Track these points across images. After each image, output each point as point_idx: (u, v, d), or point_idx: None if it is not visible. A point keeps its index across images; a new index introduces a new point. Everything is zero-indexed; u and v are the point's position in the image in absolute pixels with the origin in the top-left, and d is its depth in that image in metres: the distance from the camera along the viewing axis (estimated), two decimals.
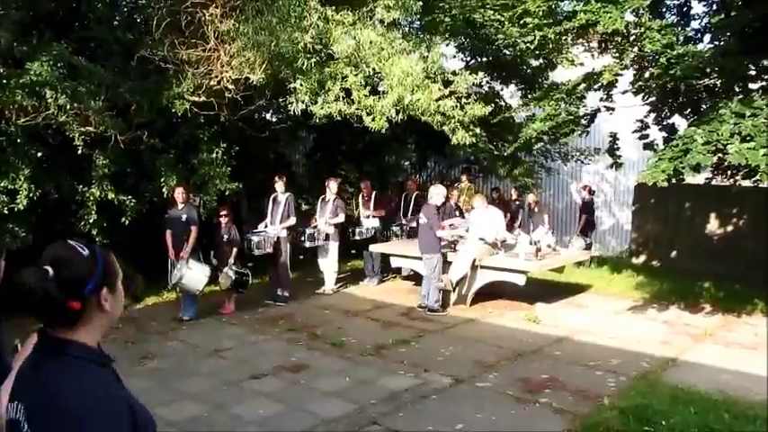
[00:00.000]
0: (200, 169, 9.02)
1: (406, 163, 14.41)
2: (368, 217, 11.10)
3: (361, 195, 11.34)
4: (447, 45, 11.64)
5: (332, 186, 10.36)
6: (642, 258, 13.16)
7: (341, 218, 10.35)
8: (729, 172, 7.51)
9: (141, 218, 8.76)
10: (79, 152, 7.71)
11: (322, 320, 8.73)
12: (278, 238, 9.57)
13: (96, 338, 1.61)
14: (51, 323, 1.57)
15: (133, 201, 8.48)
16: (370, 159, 12.62)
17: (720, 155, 6.48)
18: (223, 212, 9.06)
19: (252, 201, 10.86)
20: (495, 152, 11.88)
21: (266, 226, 9.76)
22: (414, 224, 10.67)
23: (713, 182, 9.14)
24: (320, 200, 10.57)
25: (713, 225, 12.18)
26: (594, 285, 11.16)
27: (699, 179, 9.93)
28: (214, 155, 9.00)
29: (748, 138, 6.05)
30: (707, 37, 8.65)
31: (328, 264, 10.36)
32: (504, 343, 7.69)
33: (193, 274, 8.29)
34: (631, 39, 7.71)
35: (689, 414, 5.34)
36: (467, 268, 9.21)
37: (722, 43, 7.95)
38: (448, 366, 6.80)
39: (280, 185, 9.69)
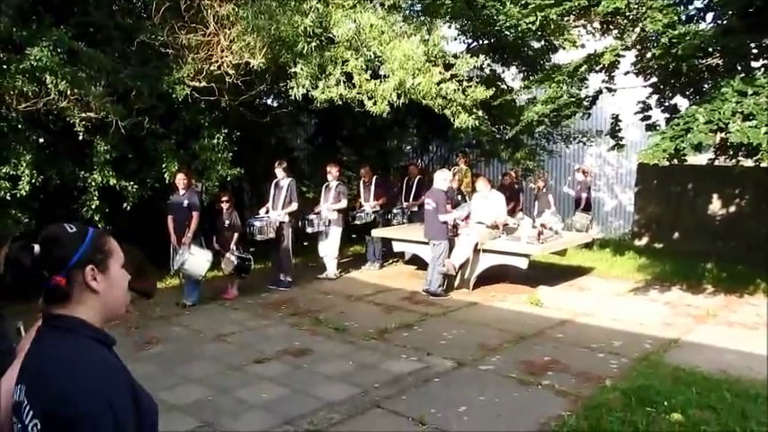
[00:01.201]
0: (201, 155, 8.99)
1: (408, 147, 14.34)
2: (367, 205, 11.03)
3: (362, 181, 11.30)
4: (449, 27, 11.58)
5: (333, 172, 10.34)
6: (645, 240, 13.17)
7: (343, 203, 10.31)
8: (732, 152, 7.46)
9: (143, 204, 8.75)
10: (80, 138, 7.70)
11: (324, 305, 8.74)
12: (280, 223, 9.55)
13: (95, 319, 1.60)
14: (46, 300, 1.58)
15: (135, 186, 8.46)
16: (372, 144, 12.54)
17: (722, 134, 6.44)
18: (224, 198, 9.05)
19: (254, 186, 10.87)
20: (498, 135, 11.81)
21: (267, 211, 9.74)
22: (415, 209, 10.66)
23: (715, 162, 9.07)
24: (324, 186, 10.52)
25: (715, 206, 12.18)
26: (597, 268, 11.19)
27: (701, 159, 9.94)
28: (215, 140, 8.96)
29: (750, 116, 6.01)
30: (709, 16, 8.60)
31: (329, 248, 10.33)
32: (507, 326, 7.69)
33: (196, 260, 8.30)
34: (632, 19, 7.64)
35: (691, 394, 5.37)
36: (469, 252, 9.22)
37: (724, 22, 7.88)
38: (450, 350, 6.81)
39: (280, 171, 9.65)
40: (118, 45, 8.29)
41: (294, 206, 9.73)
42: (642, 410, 5.10)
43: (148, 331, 7.51)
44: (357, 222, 10.84)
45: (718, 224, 12.08)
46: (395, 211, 11.36)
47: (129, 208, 8.55)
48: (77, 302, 1.57)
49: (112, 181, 8.22)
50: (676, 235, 12.69)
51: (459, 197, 10.93)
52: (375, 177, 11.30)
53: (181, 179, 8.48)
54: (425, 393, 5.70)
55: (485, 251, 9.32)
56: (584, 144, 14.18)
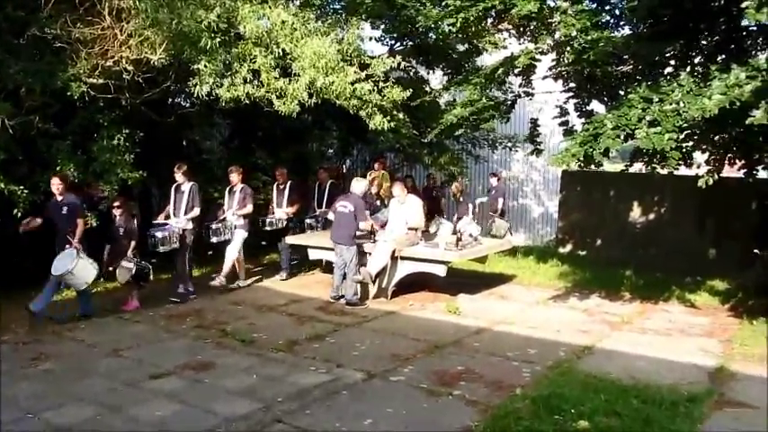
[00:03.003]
0: (99, 156, 8.45)
1: (330, 151, 14.05)
2: (279, 210, 10.64)
3: (276, 184, 10.86)
4: (373, 28, 11.39)
5: (233, 176, 9.82)
6: (569, 247, 13.22)
7: (249, 208, 9.85)
8: (647, 158, 7.52)
9: (36, 209, 8.15)
10: None
11: (233, 316, 8.37)
12: (183, 231, 8.99)
13: None
14: None
15: (26, 191, 7.89)
16: (290, 147, 12.19)
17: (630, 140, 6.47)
18: (116, 204, 8.52)
19: (162, 190, 10.32)
20: (421, 139, 11.63)
21: (168, 218, 9.18)
22: (330, 216, 10.35)
23: (632, 169, 9.15)
24: (228, 190, 10.03)
25: (636, 213, 12.33)
26: (519, 276, 11.21)
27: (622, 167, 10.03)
28: (115, 141, 8.45)
29: (655, 122, 6.04)
30: (627, 26, 8.68)
31: (230, 250, 9.78)
32: (423, 335, 7.54)
33: (84, 265, 7.72)
34: (547, 23, 7.59)
35: (599, 401, 5.38)
36: (386, 260, 8.99)
37: (638, 30, 7.97)
38: (362, 361, 6.62)
39: (180, 175, 9.04)
40: (7, 38, 7.71)
41: (196, 212, 9.15)
42: (550, 418, 5.07)
43: (37, 346, 7.02)
44: (267, 228, 10.44)
45: (638, 231, 12.24)
46: (308, 220, 10.97)
47: (19, 214, 7.94)
48: None
49: (1, 185, 7.63)
50: (599, 242, 12.80)
51: (379, 202, 10.68)
52: (290, 182, 10.84)
53: (56, 184, 7.84)
54: (331, 407, 5.49)
55: (402, 258, 9.10)
56: (510, 149, 14.17)
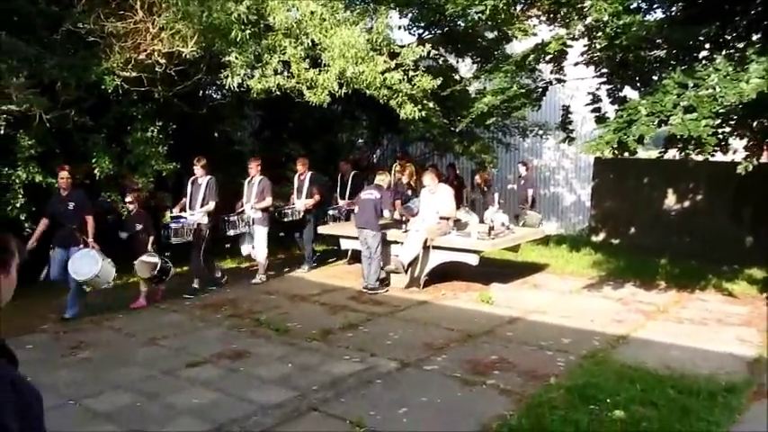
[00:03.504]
0: (134, 149, 8.57)
1: (360, 141, 14.04)
2: (299, 202, 10.35)
3: (297, 175, 10.55)
4: (402, 17, 11.34)
5: (253, 166, 9.62)
6: (602, 236, 13.08)
7: (268, 201, 9.63)
8: (681, 145, 7.38)
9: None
10: (2, 132, 7.26)
11: (267, 306, 8.42)
12: (198, 224, 8.83)
13: None
14: None
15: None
16: (321, 137, 12.20)
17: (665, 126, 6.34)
18: (128, 200, 8.37)
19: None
20: (452, 128, 11.56)
21: (183, 210, 9.04)
22: (354, 208, 10.17)
23: (667, 156, 8.99)
24: (246, 182, 9.81)
25: (671, 200, 12.15)
26: (552, 264, 11.09)
27: (657, 154, 9.88)
28: (149, 134, 8.56)
29: (691, 109, 5.90)
30: (659, 9, 8.52)
31: (258, 252, 9.69)
32: (456, 325, 7.51)
33: (106, 265, 7.49)
34: (579, 8, 7.48)
35: (635, 391, 5.32)
36: (418, 249, 8.98)
37: (671, 13, 7.81)
38: (395, 350, 6.62)
39: (198, 169, 8.86)
40: (42, 34, 7.85)
41: (211, 206, 8.95)
42: (585, 408, 5.03)
43: (77, 335, 7.16)
44: (285, 220, 10.21)
45: (672, 219, 12.06)
46: (330, 211, 10.79)
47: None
48: None
49: (38, 178, 7.79)
50: (633, 230, 12.63)
51: (410, 192, 10.66)
52: (310, 173, 10.51)
53: (64, 178, 7.53)
54: (365, 395, 5.50)
55: (434, 248, 9.08)
56: (542, 137, 14.03)
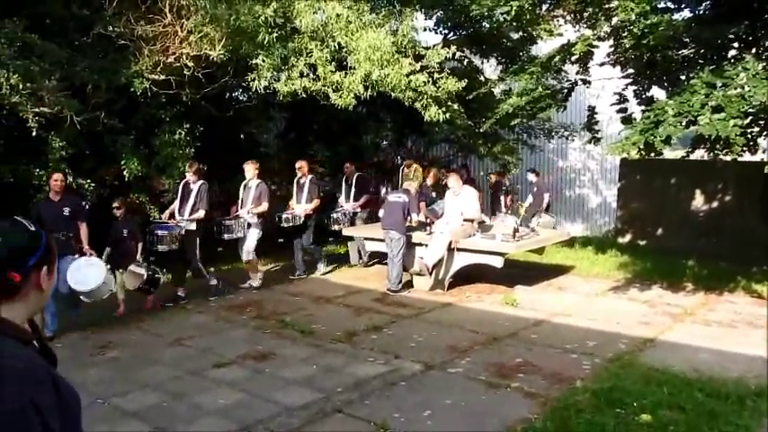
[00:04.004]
0: (162, 151, 8.68)
1: (384, 143, 14.05)
2: (299, 207, 9.99)
3: (296, 179, 10.19)
4: (427, 18, 11.33)
5: (248, 171, 9.18)
6: (628, 237, 12.95)
7: (264, 206, 9.17)
8: (709, 145, 7.29)
9: (102, 202, 8.42)
10: (34, 134, 7.40)
11: (291, 307, 8.47)
12: (187, 231, 8.48)
13: (25, 316, 1.62)
14: None
15: (93, 184, 8.12)
16: (346, 139, 12.23)
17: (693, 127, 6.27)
18: (115, 205, 8.02)
19: (222, 185, 10.50)
20: (476, 130, 11.52)
21: (172, 216, 8.68)
22: (358, 211, 10.16)
23: (693, 156, 8.89)
24: (243, 185, 9.36)
25: (698, 201, 12.00)
26: (577, 266, 11.00)
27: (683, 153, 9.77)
28: (177, 136, 8.67)
29: (719, 109, 5.83)
30: (687, 9, 8.43)
31: (245, 252, 9.29)
32: (480, 327, 7.49)
33: (107, 274, 6.87)
34: (605, 8, 7.43)
35: (662, 394, 5.28)
36: (443, 251, 8.97)
37: (699, 12, 7.73)
38: (420, 352, 6.62)
39: (190, 174, 8.47)
40: (73, 37, 7.99)
41: (201, 213, 8.56)
42: (611, 412, 4.99)
43: (105, 335, 7.27)
44: (284, 225, 9.81)
45: (701, 220, 11.90)
46: (334, 215, 10.49)
47: (87, 207, 8.20)
48: (20, 299, 1.58)
49: (69, 178, 7.90)
50: (659, 231, 12.50)
51: (435, 194, 10.64)
52: (310, 176, 10.17)
53: (59, 180, 7.03)
54: (390, 397, 5.51)
55: (459, 250, 9.06)
56: (567, 138, 13.92)
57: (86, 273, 6.68)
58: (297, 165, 10.19)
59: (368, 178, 11.36)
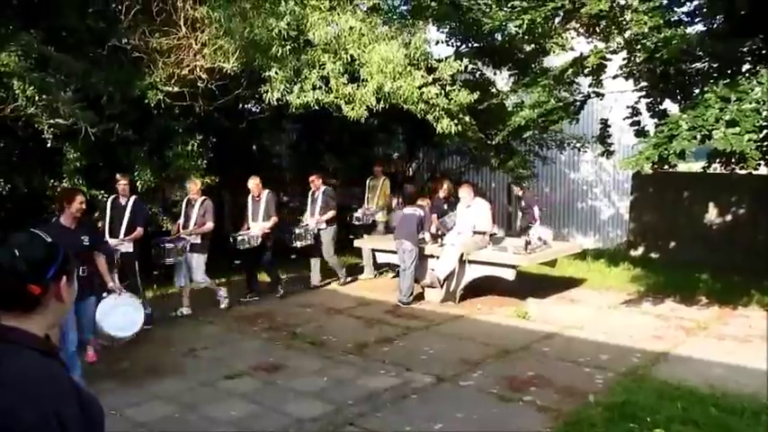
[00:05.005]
0: (174, 162, 8.73)
1: (395, 154, 14.06)
2: (255, 225, 9.38)
3: (250, 196, 9.48)
4: (438, 31, 11.36)
5: (190, 187, 8.55)
6: (640, 250, 12.88)
7: (208, 226, 8.58)
8: (724, 159, 7.27)
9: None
10: (49, 145, 7.46)
11: (302, 319, 8.48)
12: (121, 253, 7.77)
13: (45, 328, 1.62)
14: (7, 306, 1.56)
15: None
16: (357, 150, 12.26)
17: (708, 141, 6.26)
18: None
19: (234, 196, 10.53)
20: (487, 142, 11.51)
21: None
22: (323, 226, 9.79)
23: (713, 169, 8.88)
24: (185, 202, 8.74)
25: (712, 214, 11.93)
26: (589, 279, 10.92)
27: (697, 166, 9.74)
28: (190, 147, 8.71)
29: (734, 123, 5.82)
30: (700, 23, 8.43)
31: (195, 277, 8.71)
32: (492, 340, 7.46)
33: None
34: (618, 22, 7.43)
35: (675, 409, 5.24)
36: (454, 263, 8.95)
37: (713, 26, 7.72)
38: (431, 365, 6.60)
39: (121, 186, 7.75)
40: (89, 49, 8.07)
41: (139, 232, 7.88)
42: (625, 426, 4.97)
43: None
44: (239, 247, 9.04)
45: (714, 233, 11.83)
46: (297, 229, 9.81)
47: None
48: (40, 311, 1.58)
49: (83, 189, 7.94)
50: (672, 244, 12.42)
51: (446, 206, 10.61)
52: (267, 192, 9.44)
53: (79, 201, 5.66)
54: (401, 410, 5.51)
55: (470, 262, 9.04)
56: (579, 150, 13.88)
57: (124, 315, 5.69)
58: (310, 178, 10.14)
59: (334, 194, 10.54)
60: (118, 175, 7.81)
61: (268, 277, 9.74)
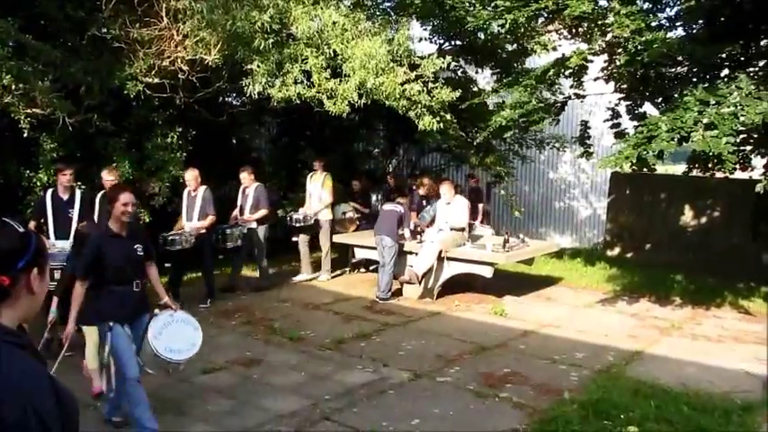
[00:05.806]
0: (153, 154, 8.62)
1: (376, 150, 14.05)
2: (189, 225, 8.73)
3: (186, 191, 8.81)
4: (422, 28, 11.37)
5: (108, 176, 7.22)
6: (617, 250, 13.02)
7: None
8: (701, 162, 7.37)
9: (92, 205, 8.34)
10: (25, 135, 7.34)
11: (280, 313, 8.44)
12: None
13: (16, 320, 1.57)
14: None
15: (83, 187, 8.02)
16: (338, 146, 12.22)
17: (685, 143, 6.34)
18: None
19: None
20: (468, 140, 11.54)
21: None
22: (253, 225, 9.36)
23: (683, 172, 8.99)
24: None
25: (687, 216, 12.08)
26: (566, 278, 11.05)
27: (677, 169, 9.86)
28: (169, 139, 8.63)
29: (712, 126, 5.91)
30: (681, 27, 8.51)
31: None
32: (469, 337, 7.51)
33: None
34: (600, 24, 7.49)
35: (649, 407, 5.32)
36: (433, 260, 8.98)
37: (693, 31, 7.82)
38: (408, 361, 6.63)
39: (65, 181, 6.92)
40: (68, 38, 7.95)
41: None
42: (599, 423, 5.04)
43: None
44: (168, 248, 8.24)
45: (689, 235, 11.98)
46: (228, 231, 9.08)
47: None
48: (10, 303, 1.54)
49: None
50: (648, 245, 12.57)
51: (425, 202, 10.63)
52: (204, 188, 8.71)
53: (131, 203, 4.74)
54: (378, 406, 5.53)
55: (449, 259, 9.08)
56: (558, 150, 13.98)
57: (184, 337, 5.03)
58: (240, 173, 9.48)
59: (268, 190, 10.02)
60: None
61: (205, 286, 8.95)
